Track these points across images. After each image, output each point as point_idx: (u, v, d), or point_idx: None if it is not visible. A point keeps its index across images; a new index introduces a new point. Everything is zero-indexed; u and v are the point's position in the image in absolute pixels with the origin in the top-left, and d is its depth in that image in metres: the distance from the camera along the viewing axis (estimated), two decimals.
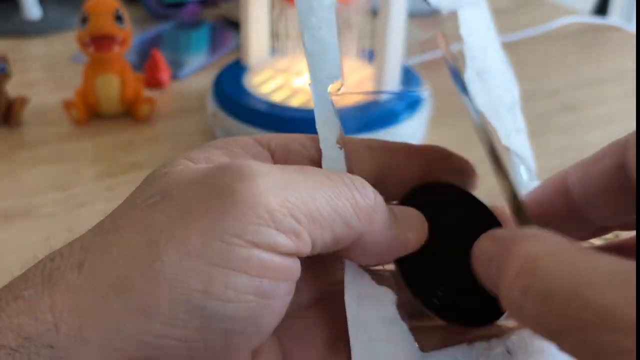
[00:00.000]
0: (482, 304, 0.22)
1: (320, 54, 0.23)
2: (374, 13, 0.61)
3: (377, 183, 0.22)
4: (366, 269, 0.23)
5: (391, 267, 0.24)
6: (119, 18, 0.60)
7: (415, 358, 0.21)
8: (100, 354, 0.18)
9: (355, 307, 0.22)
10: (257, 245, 0.19)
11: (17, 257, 0.47)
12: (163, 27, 0.84)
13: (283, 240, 0.19)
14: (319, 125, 0.23)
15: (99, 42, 0.60)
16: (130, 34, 0.62)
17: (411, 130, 0.58)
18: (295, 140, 0.24)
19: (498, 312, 0.22)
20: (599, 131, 0.63)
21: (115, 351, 0.18)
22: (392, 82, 0.58)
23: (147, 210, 0.20)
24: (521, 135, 0.24)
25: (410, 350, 0.21)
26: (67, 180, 0.55)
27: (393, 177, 0.24)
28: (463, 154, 0.25)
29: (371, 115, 0.56)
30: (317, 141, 0.23)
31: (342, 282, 0.22)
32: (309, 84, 0.23)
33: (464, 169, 0.25)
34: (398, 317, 0.22)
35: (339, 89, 0.24)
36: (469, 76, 0.23)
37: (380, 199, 0.22)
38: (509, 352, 0.21)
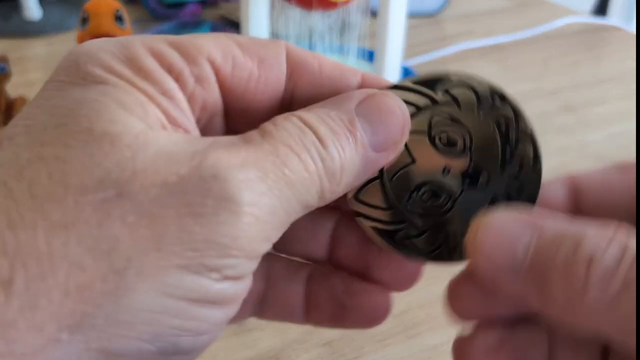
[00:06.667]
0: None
1: None
2: (374, 13, 0.61)
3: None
4: None
5: None
6: (119, 18, 0.60)
7: None
8: None
9: None
10: (231, 278, 0.17)
11: None
12: (163, 27, 0.84)
13: (253, 266, 0.18)
14: None
15: None
16: (131, 34, 0.62)
17: None
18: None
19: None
20: (599, 131, 0.63)
21: None
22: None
23: (98, 212, 0.15)
24: None
25: None
26: None
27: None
28: None
29: None
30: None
31: None
32: None
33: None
34: None
35: None
36: None
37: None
38: None
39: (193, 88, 0.19)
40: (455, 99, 0.21)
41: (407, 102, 0.21)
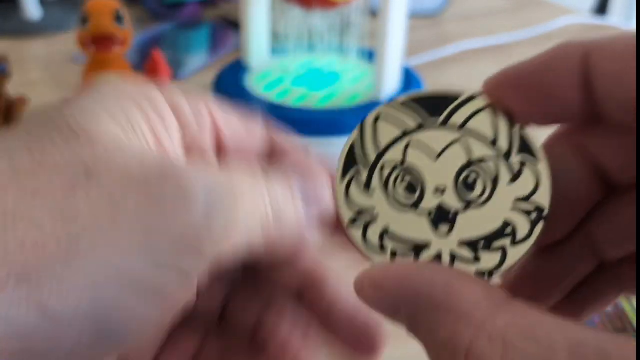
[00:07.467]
0: None
1: None
2: (374, 13, 0.61)
3: None
4: None
5: None
6: (119, 18, 0.60)
7: None
8: None
9: None
10: (184, 274, 0.18)
11: None
12: (163, 27, 0.84)
13: (199, 268, 0.18)
14: None
15: (99, 43, 0.60)
16: (130, 34, 0.62)
17: None
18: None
19: None
20: None
21: None
22: (392, 82, 0.58)
23: (66, 186, 0.17)
24: None
25: None
26: None
27: None
28: None
29: None
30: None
31: None
32: None
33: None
34: None
35: None
36: None
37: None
38: None
39: (191, 122, 0.21)
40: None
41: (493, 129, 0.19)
